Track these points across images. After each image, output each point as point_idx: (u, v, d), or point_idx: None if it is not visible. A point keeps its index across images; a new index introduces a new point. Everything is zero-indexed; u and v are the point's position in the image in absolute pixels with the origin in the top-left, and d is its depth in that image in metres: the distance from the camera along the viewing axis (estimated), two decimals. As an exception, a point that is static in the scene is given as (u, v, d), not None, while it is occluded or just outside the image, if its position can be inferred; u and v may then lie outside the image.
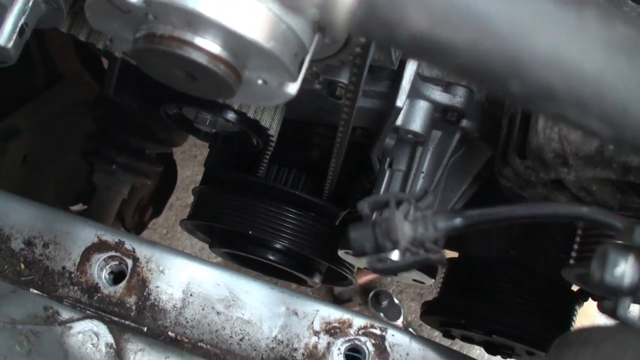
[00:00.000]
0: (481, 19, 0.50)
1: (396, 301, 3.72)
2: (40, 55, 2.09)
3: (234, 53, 0.83)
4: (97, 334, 1.16)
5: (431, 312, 1.75)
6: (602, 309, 0.67)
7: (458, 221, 0.77)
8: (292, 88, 0.89)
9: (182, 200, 3.63)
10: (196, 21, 0.79)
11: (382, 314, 3.67)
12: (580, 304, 1.66)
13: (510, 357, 1.75)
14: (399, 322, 3.66)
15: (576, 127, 0.53)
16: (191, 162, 3.69)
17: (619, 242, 0.66)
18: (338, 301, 3.70)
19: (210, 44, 0.82)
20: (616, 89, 0.51)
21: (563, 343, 0.78)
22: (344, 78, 1.27)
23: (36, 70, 2.10)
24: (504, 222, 0.77)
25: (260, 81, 0.89)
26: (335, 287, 3.74)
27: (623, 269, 0.64)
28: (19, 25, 0.99)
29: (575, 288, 1.65)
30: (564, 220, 0.74)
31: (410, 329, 3.51)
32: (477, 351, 2.46)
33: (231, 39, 0.81)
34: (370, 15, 0.51)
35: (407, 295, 3.83)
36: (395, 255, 0.81)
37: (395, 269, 0.78)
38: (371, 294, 3.72)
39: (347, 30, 0.54)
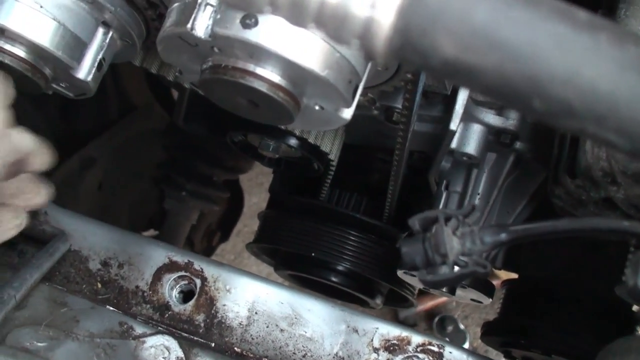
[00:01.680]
0: (504, 44, 0.55)
1: (461, 326, 3.70)
2: (114, 88, 2.20)
3: (293, 81, 0.89)
4: (168, 348, 1.22)
5: (491, 332, 1.76)
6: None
7: (503, 236, 0.81)
8: (347, 113, 0.95)
9: (249, 226, 3.65)
10: (257, 53, 0.86)
11: (447, 340, 3.65)
12: (641, 323, 1.65)
13: (570, 378, 1.74)
14: (465, 347, 3.64)
15: (596, 140, 0.57)
16: (258, 189, 3.74)
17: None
18: (403, 326, 3.69)
19: (270, 74, 0.88)
20: (630, 103, 0.55)
21: (606, 353, 0.80)
22: (399, 103, 1.28)
23: (110, 102, 2.21)
24: (547, 236, 0.81)
25: (317, 107, 0.95)
26: (400, 313, 3.74)
27: (654, 275, 0.67)
28: (98, 60, 1.07)
29: (635, 308, 1.64)
30: (605, 234, 0.77)
31: (476, 355, 3.48)
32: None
33: (289, 68, 0.87)
34: (405, 43, 0.57)
35: (473, 320, 3.80)
36: (445, 269, 0.85)
37: (444, 281, 0.83)
38: (436, 319, 3.71)
39: (386, 57, 0.60)
